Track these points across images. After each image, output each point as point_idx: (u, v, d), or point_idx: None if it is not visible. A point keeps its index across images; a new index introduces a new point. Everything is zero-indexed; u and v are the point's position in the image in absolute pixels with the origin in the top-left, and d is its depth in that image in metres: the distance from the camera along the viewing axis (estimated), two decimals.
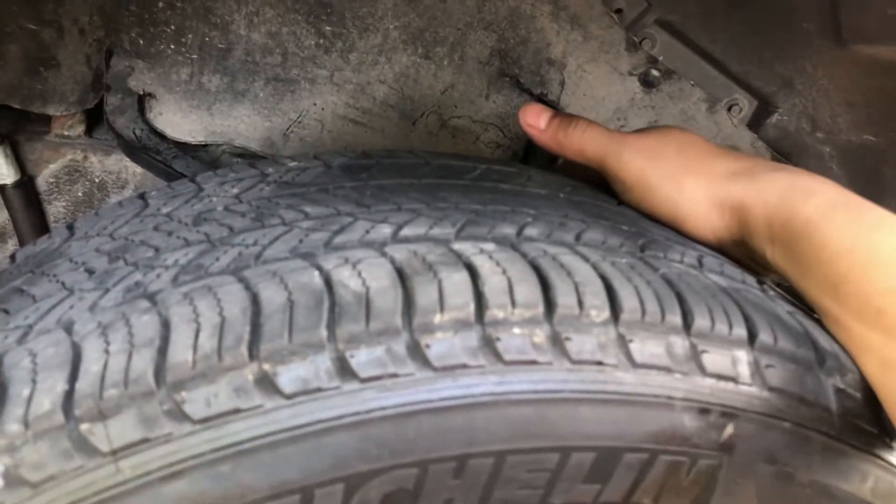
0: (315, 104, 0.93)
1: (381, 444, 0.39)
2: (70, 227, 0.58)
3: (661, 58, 1.00)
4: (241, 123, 0.90)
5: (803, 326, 0.49)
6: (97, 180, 0.89)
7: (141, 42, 0.85)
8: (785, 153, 1.02)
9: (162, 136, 0.88)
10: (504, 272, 0.44)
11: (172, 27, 0.85)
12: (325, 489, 0.39)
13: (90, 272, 0.48)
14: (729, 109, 1.01)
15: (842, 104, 0.92)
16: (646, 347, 0.44)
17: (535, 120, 0.70)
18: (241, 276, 0.43)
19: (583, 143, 0.66)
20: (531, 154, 1.04)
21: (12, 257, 0.58)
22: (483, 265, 0.44)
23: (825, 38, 0.83)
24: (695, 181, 0.60)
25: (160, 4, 0.84)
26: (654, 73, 1.01)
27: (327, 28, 0.90)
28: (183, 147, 0.89)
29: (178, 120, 0.89)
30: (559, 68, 0.98)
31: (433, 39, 0.95)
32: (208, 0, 0.84)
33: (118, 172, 0.89)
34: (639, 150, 0.63)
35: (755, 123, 1.01)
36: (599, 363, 0.42)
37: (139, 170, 0.90)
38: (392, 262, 0.43)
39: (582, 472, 0.43)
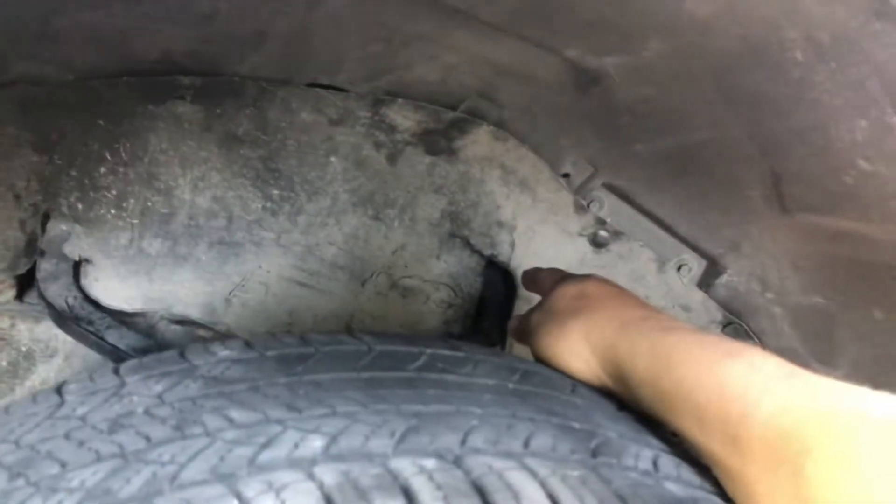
0: (260, 267, 0.91)
1: None
2: None
3: (608, 219, 1.00)
4: (181, 289, 0.87)
5: None
6: (24, 349, 0.83)
7: (80, 207, 0.82)
8: (735, 312, 1.02)
9: (96, 304, 0.84)
10: (445, 498, 0.40)
11: (114, 192, 0.83)
12: None
13: None
14: (678, 269, 1.02)
15: (790, 267, 0.92)
16: None
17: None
18: None
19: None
20: (482, 313, 1.02)
21: None
22: (422, 490, 0.40)
23: (769, 206, 0.84)
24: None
25: (102, 170, 0.82)
26: (603, 233, 1.02)
27: (275, 192, 0.89)
28: (117, 314, 0.85)
29: (114, 286, 0.85)
30: (509, 230, 0.98)
31: (383, 202, 0.94)
32: (152, 166, 0.83)
33: (47, 341, 0.84)
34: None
35: (705, 283, 1.01)
36: None
37: (70, 339, 0.85)
38: (321, 487, 0.39)
39: None
